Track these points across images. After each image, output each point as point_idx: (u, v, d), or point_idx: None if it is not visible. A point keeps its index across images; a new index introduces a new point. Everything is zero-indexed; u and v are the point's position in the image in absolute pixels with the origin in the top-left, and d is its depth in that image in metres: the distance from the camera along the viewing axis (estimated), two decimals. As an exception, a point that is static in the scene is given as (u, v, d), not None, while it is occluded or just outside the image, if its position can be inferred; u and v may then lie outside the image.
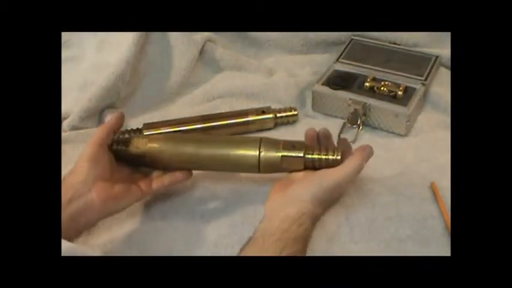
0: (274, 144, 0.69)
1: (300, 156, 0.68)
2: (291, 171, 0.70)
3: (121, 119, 0.73)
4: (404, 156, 0.81)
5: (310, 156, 0.68)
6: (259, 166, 0.69)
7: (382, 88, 0.86)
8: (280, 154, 0.68)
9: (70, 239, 0.62)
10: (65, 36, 1.02)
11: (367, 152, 0.68)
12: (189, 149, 0.70)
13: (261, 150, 0.68)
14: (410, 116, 0.82)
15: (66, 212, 0.62)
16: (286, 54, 1.02)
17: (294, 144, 0.69)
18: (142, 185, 0.69)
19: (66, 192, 0.63)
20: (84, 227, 0.66)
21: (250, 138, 0.71)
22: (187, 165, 0.71)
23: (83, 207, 0.64)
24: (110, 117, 0.75)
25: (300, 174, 0.69)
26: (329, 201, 0.69)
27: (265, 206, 0.67)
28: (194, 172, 0.74)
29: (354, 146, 0.82)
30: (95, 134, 0.69)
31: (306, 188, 0.66)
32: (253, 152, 0.68)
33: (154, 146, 0.70)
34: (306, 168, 0.69)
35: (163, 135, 0.74)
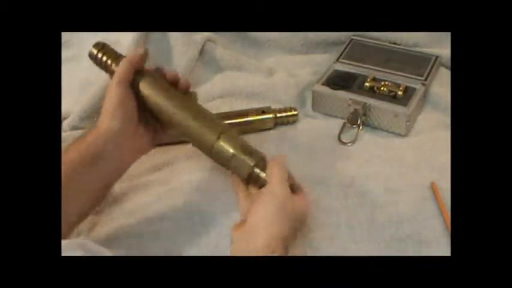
0: (235, 140, 0.68)
1: (250, 165, 0.67)
2: (235, 173, 0.69)
3: (145, 57, 0.69)
4: (404, 156, 0.81)
5: (258, 171, 0.67)
6: (211, 151, 0.68)
7: (382, 88, 0.86)
8: (232, 151, 0.67)
9: (95, 190, 0.65)
10: (65, 36, 1.02)
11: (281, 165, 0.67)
12: (168, 107, 0.69)
13: (220, 137, 0.68)
14: (410, 116, 0.82)
15: (97, 163, 0.63)
16: (286, 54, 1.02)
17: (252, 151, 0.68)
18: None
19: (96, 138, 0.64)
20: (109, 176, 0.67)
21: (220, 124, 0.70)
22: (160, 117, 0.70)
23: (113, 151, 0.64)
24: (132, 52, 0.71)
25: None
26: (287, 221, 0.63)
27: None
28: (194, 172, 0.75)
29: (354, 146, 0.83)
30: (118, 74, 0.66)
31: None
32: (212, 136, 0.68)
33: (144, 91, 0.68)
34: (248, 179, 0.68)
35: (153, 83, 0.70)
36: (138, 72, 0.69)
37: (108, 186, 0.68)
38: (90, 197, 0.66)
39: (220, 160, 0.69)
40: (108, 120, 0.65)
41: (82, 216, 0.67)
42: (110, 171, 0.66)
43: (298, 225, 0.65)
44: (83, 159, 0.63)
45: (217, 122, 0.71)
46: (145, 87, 0.69)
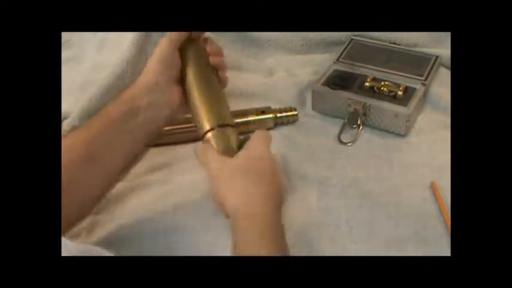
0: (229, 141, 0.67)
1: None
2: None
3: (202, 33, 0.73)
4: (404, 156, 0.81)
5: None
6: (202, 137, 0.68)
7: (382, 88, 0.86)
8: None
9: (138, 151, 0.69)
10: (65, 36, 1.02)
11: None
12: (190, 77, 0.70)
13: (213, 129, 0.67)
14: (410, 116, 0.82)
15: (139, 114, 0.66)
16: (286, 54, 1.02)
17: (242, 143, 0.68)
18: None
19: (136, 92, 0.67)
20: (148, 134, 0.68)
21: (224, 117, 0.69)
22: (184, 84, 0.71)
23: (151, 104, 0.67)
24: None
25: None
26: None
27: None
28: (194, 172, 0.74)
29: (354, 146, 0.83)
30: (169, 34, 0.70)
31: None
32: (206, 124, 0.68)
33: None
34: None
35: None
36: (189, 40, 0.71)
37: (146, 145, 0.70)
38: (129, 156, 0.68)
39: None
40: (150, 74, 0.68)
41: (123, 175, 0.70)
42: (148, 126, 0.68)
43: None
44: (123, 115, 0.66)
45: (223, 113, 0.70)
46: (185, 53, 0.71)
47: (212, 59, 0.73)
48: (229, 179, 0.63)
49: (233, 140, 0.68)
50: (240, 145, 0.67)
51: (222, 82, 0.74)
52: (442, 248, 0.67)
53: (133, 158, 0.70)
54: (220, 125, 0.68)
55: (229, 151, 0.66)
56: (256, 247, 0.57)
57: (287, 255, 0.60)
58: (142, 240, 0.70)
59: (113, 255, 0.55)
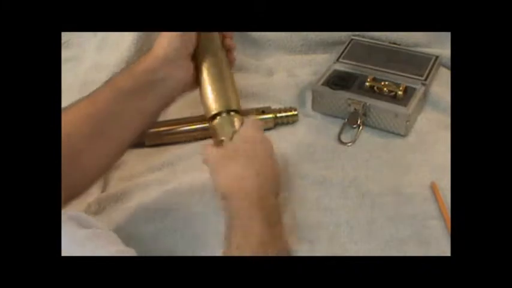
0: (233, 127, 0.68)
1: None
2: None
3: None
4: (404, 156, 0.81)
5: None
6: (208, 120, 0.69)
7: (382, 88, 0.86)
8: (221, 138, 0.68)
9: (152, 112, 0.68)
10: (65, 36, 1.02)
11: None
12: (200, 55, 0.71)
13: (220, 114, 0.68)
14: (410, 116, 0.82)
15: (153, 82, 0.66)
16: (286, 54, 1.02)
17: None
18: None
19: (154, 66, 0.66)
20: (160, 102, 0.68)
21: (230, 101, 0.70)
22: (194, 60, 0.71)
23: (171, 81, 0.67)
24: None
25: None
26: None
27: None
28: (194, 172, 0.74)
29: (354, 146, 0.83)
30: None
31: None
32: (212, 107, 0.69)
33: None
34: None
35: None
36: None
37: (159, 111, 0.70)
38: (138, 130, 0.68)
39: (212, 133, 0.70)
40: (168, 47, 0.67)
41: (134, 139, 0.69)
42: (161, 101, 0.68)
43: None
44: (136, 89, 0.66)
45: (231, 98, 0.70)
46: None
47: (224, 40, 0.73)
48: (222, 163, 0.64)
49: (238, 126, 0.69)
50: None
51: (231, 62, 0.74)
52: (442, 248, 0.67)
53: (140, 133, 0.70)
54: (227, 111, 0.68)
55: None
56: (248, 225, 0.59)
57: (282, 236, 0.60)
58: (142, 240, 0.70)
59: (103, 227, 0.56)
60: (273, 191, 0.64)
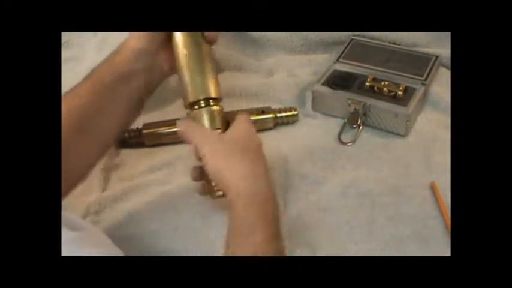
0: (214, 119, 0.66)
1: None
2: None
3: None
4: (404, 156, 0.81)
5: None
6: (187, 107, 0.68)
7: (382, 88, 0.86)
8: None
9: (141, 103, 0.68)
10: (65, 36, 1.02)
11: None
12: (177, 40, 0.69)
13: (198, 103, 0.67)
14: (410, 116, 0.82)
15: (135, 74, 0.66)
16: (286, 54, 1.02)
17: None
18: None
19: (130, 56, 0.66)
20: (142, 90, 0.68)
21: (211, 88, 0.67)
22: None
23: (149, 71, 0.67)
24: None
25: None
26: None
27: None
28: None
29: (354, 146, 0.83)
30: None
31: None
32: (191, 95, 0.67)
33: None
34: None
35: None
36: None
37: (142, 101, 0.70)
38: (121, 123, 0.69)
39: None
40: (141, 37, 0.67)
41: (118, 133, 0.70)
42: (141, 91, 0.68)
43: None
44: (116, 81, 0.66)
45: (209, 85, 0.67)
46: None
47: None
48: (227, 157, 0.62)
49: (218, 118, 0.66)
50: (226, 125, 0.66)
51: (210, 41, 0.70)
52: (442, 248, 0.67)
53: (126, 124, 0.70)
54: (206, 99, 0.66)
55: (214, 129, 0.65)
56: (252, 227, 0.58)
57: (281, 237, 0.60)
58: (142, 240, 0.70)
59: (93, 229, 0.55)
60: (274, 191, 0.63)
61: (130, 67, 0.66)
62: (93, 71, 0.67)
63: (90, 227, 0.57)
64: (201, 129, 0.66)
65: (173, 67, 0.70)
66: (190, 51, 0.68)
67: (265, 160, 0.64)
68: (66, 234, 0.53)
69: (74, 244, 0.53)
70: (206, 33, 0.69)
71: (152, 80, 0.69)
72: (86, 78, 0.67)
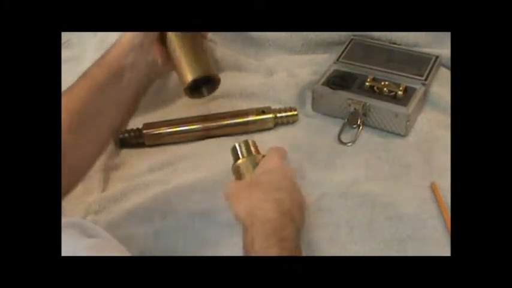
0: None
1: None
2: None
3: None
4: (404, 156, 0.81)
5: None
6: (184, 87, 0.69)
7: (382, 88, 0.86)
8: None
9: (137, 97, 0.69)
10: (65, 36, 1.02)
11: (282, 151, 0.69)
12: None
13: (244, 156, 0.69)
14: (410, 116, 0.82)
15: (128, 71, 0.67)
16: (286, 54, 1.02)
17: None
18: None
19: (121, 53, 0.67)
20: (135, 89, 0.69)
21: (207, 66, 0.69)
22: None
23: (140, 67, 0.67)
24: None
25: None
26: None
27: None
28: (194, 172, 0.74)
29: (354, 146, 0.83)
30: None
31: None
32: (188, 75, 0.68)
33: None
34: None
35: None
36: None
37: (136, 98, 0.70)
38: (116, 122, 0.69)
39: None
40: (132, 34, 0.68)
41: (114, 131, 0.71)
42: (133, 89, 0.68)
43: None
44: (109, 78, 0.67)
45: (205, 64, 0.70)
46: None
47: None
48: (243, 194, 0.64)
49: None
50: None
51: (203, 35, 0.72)
52: (442, 248, 0.67)
53: (120, 123, 0.71)
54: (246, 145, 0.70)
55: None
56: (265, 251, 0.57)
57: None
58: (142, 240, 0.70)
59: (107, 235, 0.55)
60: (295, 222, 0.62)
61: (121, 63, 0.67)
62: (87, 70, 0.68)
63: (105, 234, 0.56)
64: (231, 182, 0.69)
65: (167, 62, 0.70)
66: (184, 41, 0.69)
67: (294, 192, 0.65)
68: (83, 240, 0.53)
69: (95, 251, 0.52)
70: None
71: (141, 77, 0.69)
72: (81, 77, 0.68)
